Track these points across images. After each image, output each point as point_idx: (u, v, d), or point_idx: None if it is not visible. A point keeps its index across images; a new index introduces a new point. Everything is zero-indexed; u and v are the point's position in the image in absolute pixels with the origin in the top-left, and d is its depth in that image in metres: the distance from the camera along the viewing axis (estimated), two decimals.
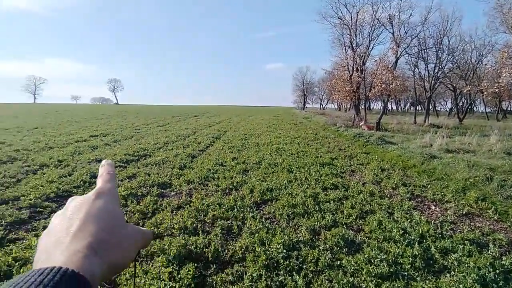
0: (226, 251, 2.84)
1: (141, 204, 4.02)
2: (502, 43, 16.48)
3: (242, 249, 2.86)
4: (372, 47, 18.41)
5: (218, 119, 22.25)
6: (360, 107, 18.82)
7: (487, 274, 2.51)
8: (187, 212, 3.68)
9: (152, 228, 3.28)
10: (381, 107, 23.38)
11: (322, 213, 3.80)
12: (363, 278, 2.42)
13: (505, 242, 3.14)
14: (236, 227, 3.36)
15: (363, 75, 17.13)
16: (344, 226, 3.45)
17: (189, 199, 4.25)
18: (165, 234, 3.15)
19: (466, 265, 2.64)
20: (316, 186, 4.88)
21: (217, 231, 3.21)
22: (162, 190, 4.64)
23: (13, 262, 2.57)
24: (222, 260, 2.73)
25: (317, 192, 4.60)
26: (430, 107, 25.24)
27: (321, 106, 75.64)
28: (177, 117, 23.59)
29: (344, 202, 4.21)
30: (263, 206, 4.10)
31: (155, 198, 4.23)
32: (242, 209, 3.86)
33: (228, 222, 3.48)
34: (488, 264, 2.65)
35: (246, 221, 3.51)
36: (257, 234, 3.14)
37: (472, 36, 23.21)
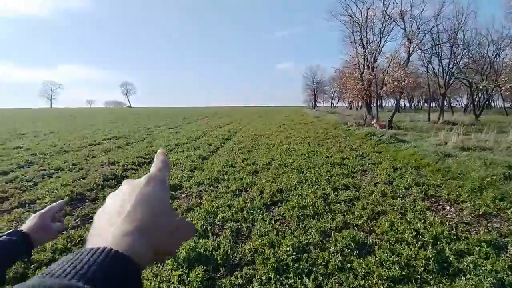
0: (236, 253, 2.84)
1: None
2: None
3: (252, 252, 2.85)
4: (384, 44, 18.03)
5: (228, 120, 22.36)
6: (372, 105, 18.50)
7: (505, 277, 2.41)
8: (197, 214, 3.71)
9: None
10: (394, 105, 22.95)
11: (333, 214, 3.75)
12: (374, 282, 2.37)
13: None
14: (245, 229, 3.36)
15: (374, 72, 16.84)
16: (355, 227, 3.40)
17: (199, 201, 4.28)
18: None
19: (483, 268, 2.55)
20: (327, 187, 4.82)
21: (226, 233, 3.22)
22: (173, 192, 4.69)
23: (29, 264, 2.64)
24: (232, 263, 2.72)
25: (327, 192, 4.54)
26: (445, 103, 24.58)
27: (332, 105, 75.01)
28: (188, 119, 23.83)
29: (355, 203, 4.15)
30: (273, 207, 4.08)
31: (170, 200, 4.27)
32: (251, 211, 3.85)
33: (237, 224, 3.48)
34: (506, 267, 2.55)
35: (255, 223, 3.51)
36: (266, 236, 3.13)
37: (489, 29, 22.56)
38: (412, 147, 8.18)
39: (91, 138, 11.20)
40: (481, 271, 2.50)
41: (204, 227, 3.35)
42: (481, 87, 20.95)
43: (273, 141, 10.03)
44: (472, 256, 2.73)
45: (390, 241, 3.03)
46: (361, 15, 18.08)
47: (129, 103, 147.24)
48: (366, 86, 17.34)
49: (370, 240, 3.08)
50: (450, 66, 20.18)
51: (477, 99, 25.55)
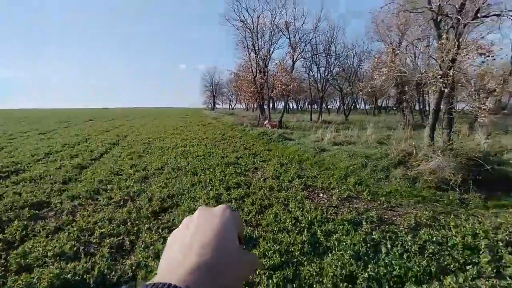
0: (114, 272, 2.53)
1: (5, 232, 3.26)
2: (376, 50, 19.93)
3: (133, 267, 2.60)
4: (273, 51, 19.65)
5: (118, 123, 20.19)
6: (265, 107, 19.91)
7: (360, 249, 2.90)
8: (67, 234, 3.15)
9: (17, 260, 2.68)
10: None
11: None
12: (257, 273, 2.49)
13: (375, 218, 3.67)
14: (128, 243, 3.05)
15: (265, 76, 18.17)
16: (244, 223, 3.53)
17: (71, 218, 3.65)
18: (35, 265, 2.62)
19: (344, 243, 3.01)
20: (220, 187, 4.88)
21: (104, 251, 2.84)
22: (37, 212, 3.87)
23: None
24: (108, 283, 2.41)
25: (220, 192, 4.60)
26: (323, 105, 28.67)
27: (230, 107, 77.23)
28: (65, 123, 20.34)
29: (246, 199, 4.33)
30: (162, 214, 3.85)
31: (25, 222, 3.50)
32: (137, 222, 3.53)
33: (119, 238, 3.12)
34: (361, 239, 3.07)
35: (140, 234, 3.22)
36: (152, 247, 2.91)
37: (354, 44, 27.52)
38: (296, 144, 9.17)
39: None
40: (343, 246, 2.95)
41: (74, 249, 2.88)
42: (347, 92, 25.28)
43: (168, 144, 9.57)
44: (337, 234, 3.21)
45: (274, 232, 3.28)
46: (253, 22, 19.23)
47: None
48: (259, 89, 18.52)
49: (256, 233, 3.25)
50: (326, 73, 23.65)
51: (346, 102, 30.69)
